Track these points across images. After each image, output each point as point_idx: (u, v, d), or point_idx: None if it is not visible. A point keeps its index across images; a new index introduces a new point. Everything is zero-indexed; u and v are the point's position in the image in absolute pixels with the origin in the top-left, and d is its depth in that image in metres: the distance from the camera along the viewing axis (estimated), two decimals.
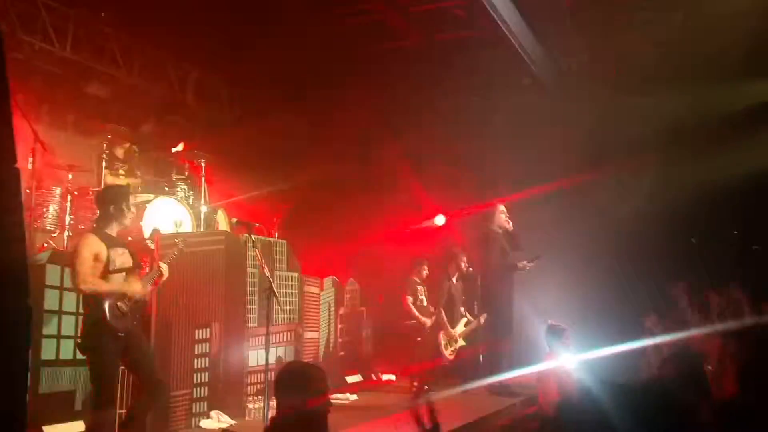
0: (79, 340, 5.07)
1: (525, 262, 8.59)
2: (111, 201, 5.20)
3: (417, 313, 9.21)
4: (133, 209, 5.38)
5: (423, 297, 9.65)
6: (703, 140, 9.24)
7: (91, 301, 4.91)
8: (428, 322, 9.12)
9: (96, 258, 4.92)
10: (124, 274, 5.05)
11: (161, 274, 5.26)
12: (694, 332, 6.35)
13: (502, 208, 8.69)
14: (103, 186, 7.27)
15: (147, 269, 5.40)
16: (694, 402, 3.06)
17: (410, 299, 9.40)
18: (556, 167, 9.85)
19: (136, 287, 5.04)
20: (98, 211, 5.30)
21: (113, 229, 5.14)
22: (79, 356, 5.82)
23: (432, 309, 9.29)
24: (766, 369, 2.95)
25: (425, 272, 9.67)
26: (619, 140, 9.90)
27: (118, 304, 4.92)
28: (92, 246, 4.94)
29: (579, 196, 9.95)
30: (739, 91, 8.93)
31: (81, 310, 5.87)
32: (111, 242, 5.05)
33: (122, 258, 5.07)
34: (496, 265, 8.50)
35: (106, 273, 4.95)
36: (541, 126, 10.30)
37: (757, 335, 3.20)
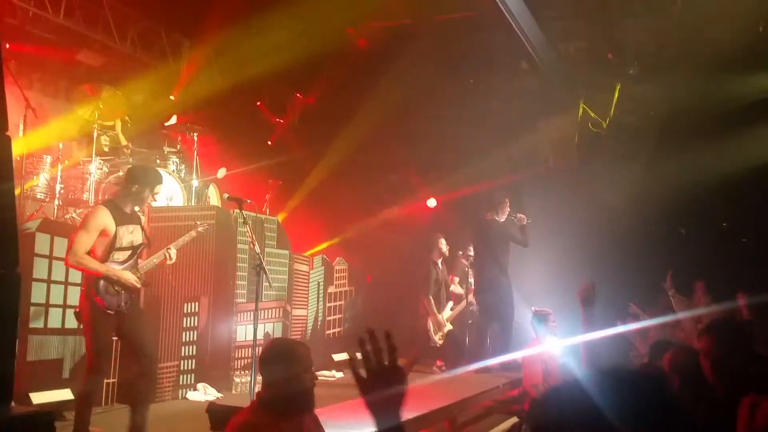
0: (76, 309, 5.04)
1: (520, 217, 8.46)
2: (137, 181, 5.00)
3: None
4: (156, 198, 5.18)
5: None
6: (699, 131, 9.22)
7: (88, 276, 4.84)
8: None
9: (103, 233, 4.78)
10: (130, 251, 4.92)
11: (165, 258, 5.11)
12: (675, 320, 6.42)
13: (506, 201, 8.59)
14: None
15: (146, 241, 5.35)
16: (681, 391, 3.10)
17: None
18: (548, 153, 9.84)
19: (129, 276, 4.85)
20: (123, 185, 5.09)
21: (128, 207, 4.96)
22: (68, 325, 5.85)
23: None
24: (736, 361, 3.02)
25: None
26: (613, 128, 9.89)
27: (113, 282, 4.81)
28: (100, 220, 4.78)
29: (570, 183, 9.96)
30: (738, 83, 8.90)
31: (70, 280, 5.85)
32: (122, 219, 4.88)
33: (132, 236, 4.93)
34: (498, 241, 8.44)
35: (112, 249, 4.81)
36: (536, 111, 10.27)
37: (728, 327, 3.24)
